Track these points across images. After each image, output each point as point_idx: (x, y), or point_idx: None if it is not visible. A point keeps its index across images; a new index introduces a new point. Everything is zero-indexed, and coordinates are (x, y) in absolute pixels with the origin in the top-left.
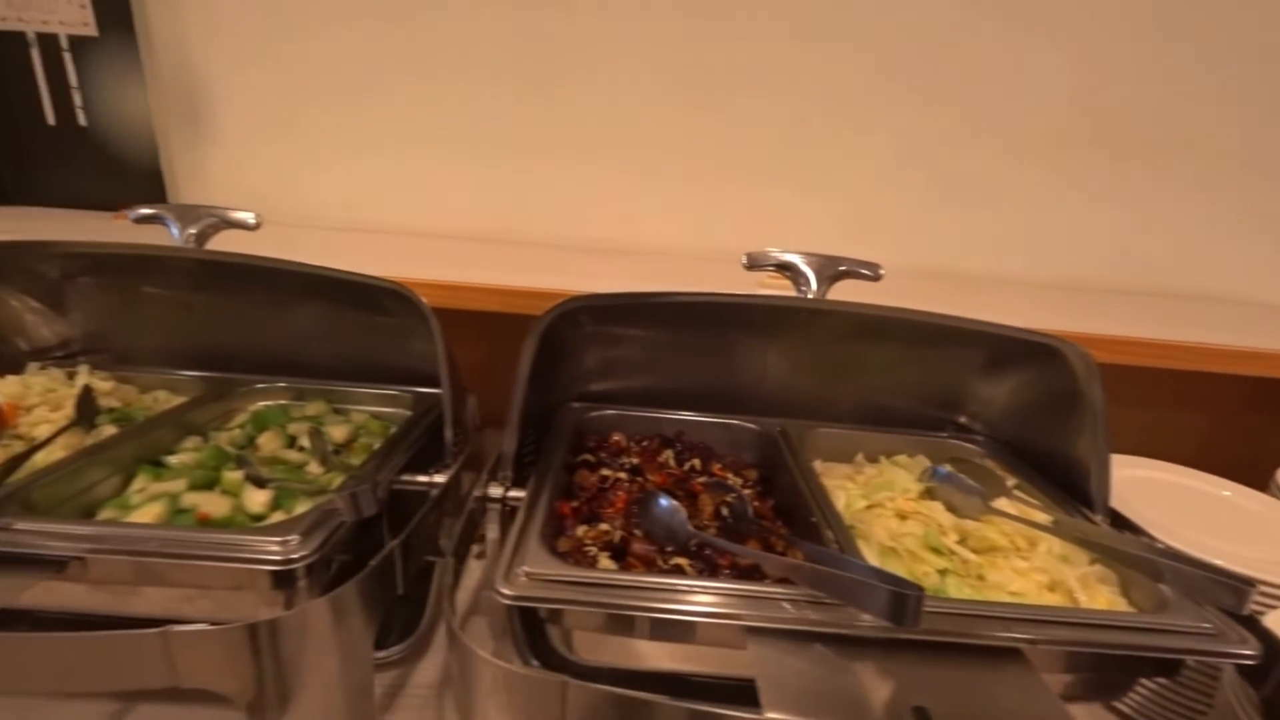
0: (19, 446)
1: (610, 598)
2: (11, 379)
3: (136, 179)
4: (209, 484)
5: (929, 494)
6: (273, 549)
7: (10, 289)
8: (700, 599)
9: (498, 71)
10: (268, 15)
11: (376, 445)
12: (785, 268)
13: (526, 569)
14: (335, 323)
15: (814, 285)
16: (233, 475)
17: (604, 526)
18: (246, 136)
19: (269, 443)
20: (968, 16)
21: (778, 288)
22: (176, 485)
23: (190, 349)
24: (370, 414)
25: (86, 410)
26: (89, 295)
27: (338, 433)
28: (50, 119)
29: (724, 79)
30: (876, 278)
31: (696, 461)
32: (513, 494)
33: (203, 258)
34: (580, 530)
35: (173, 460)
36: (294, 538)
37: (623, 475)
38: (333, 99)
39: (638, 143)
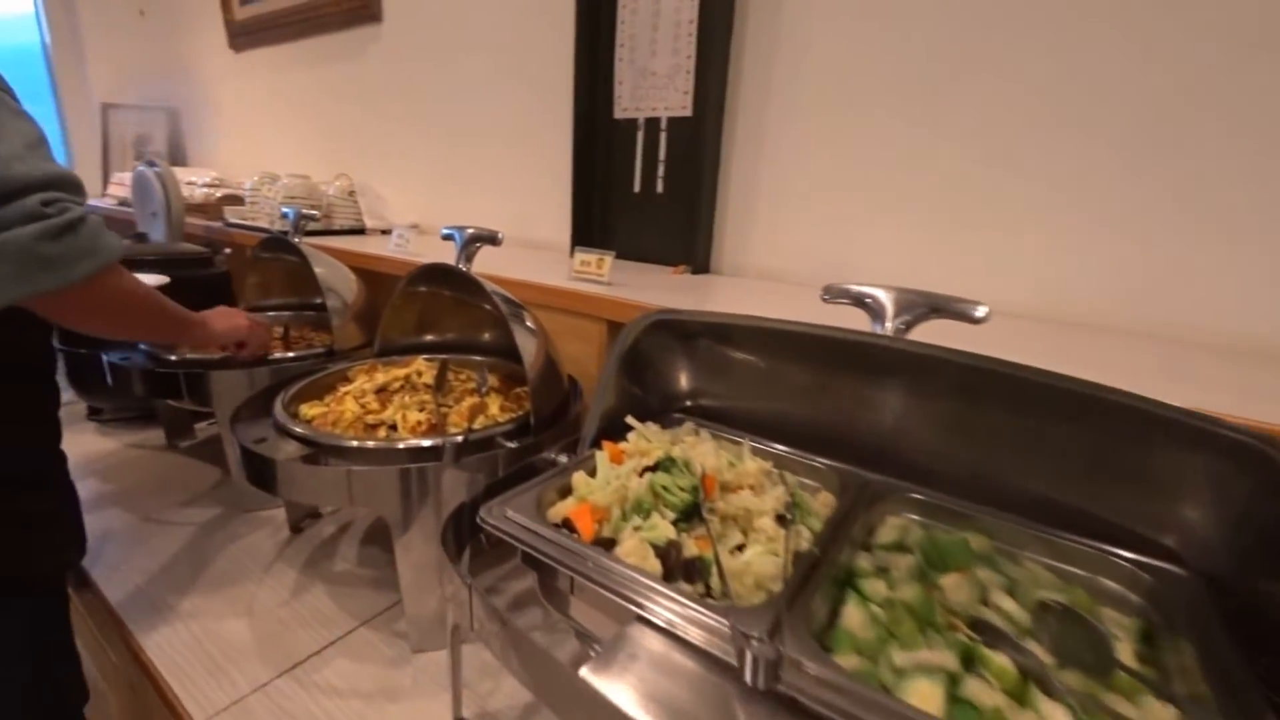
0: (715, 522)
1: None
2: (701, 446)
3: (693, 241)
4: (966, 656)
5: None
6: None
7: (683, 351)
8: None
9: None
10: (837, 103)
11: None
12: None
13: None
14: (1020, 442)
15: None
16: (1001, 662)
17: None
18: (787, 207)
19: (956, 590)
20: None
21: None
22: (943, 658)
23: (810, 427)
24: (1044, 567)
25: (791, 510)
26: (732, 363)
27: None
28: (636, 186)
29: None
30: None
31: None
32: None
33: (910, 350)
34: None
35: (869, 590)
36: None
37: None
38: (873, 176)
39: None
